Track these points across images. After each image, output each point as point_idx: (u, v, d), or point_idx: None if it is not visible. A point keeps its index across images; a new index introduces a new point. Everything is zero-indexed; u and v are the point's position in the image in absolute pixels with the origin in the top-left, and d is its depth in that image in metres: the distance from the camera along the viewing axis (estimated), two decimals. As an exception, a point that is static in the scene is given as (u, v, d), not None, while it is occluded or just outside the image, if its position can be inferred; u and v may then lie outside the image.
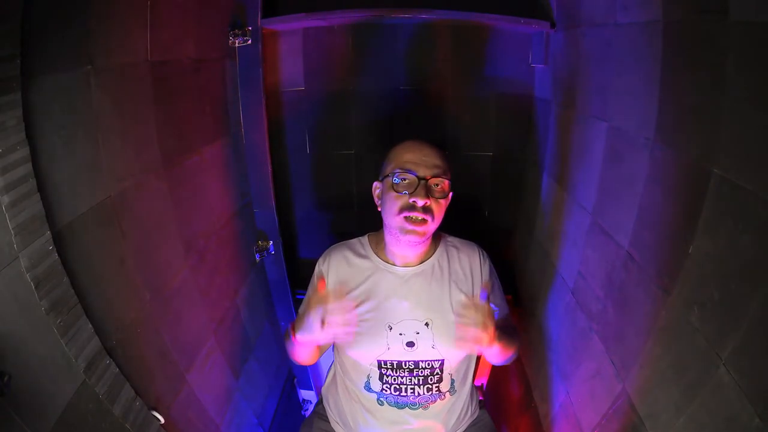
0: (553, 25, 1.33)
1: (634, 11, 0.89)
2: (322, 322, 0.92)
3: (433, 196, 1.03)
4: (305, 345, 1.04)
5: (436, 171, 1.04)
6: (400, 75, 1.53)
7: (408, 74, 1.54)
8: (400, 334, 1.10)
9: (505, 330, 1.09)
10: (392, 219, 1.05)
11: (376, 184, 1.12)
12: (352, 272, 1.14)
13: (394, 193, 1.04)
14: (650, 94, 0.81)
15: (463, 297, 1.12)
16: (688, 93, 0.72)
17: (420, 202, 1.02)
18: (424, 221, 1.02)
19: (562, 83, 1.28)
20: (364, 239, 1.19)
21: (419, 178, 1.02)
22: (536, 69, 1.49)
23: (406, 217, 1.02)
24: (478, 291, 1.14)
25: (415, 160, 1.04)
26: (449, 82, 1.54)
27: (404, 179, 1.04)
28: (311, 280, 1.20)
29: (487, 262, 1.17)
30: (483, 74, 1.52)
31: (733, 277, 0.61)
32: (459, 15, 1.35)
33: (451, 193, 1.09)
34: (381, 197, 1.10)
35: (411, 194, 1.02)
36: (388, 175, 1.06)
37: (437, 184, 1.04)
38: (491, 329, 0.93)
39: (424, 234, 1.05)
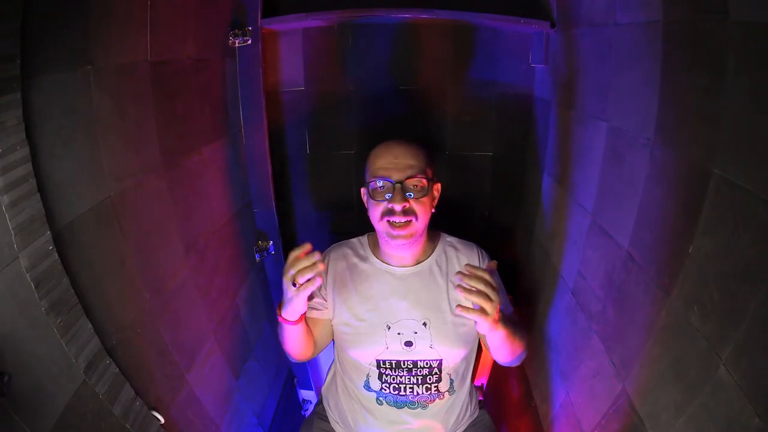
0: (553, 25, 1.33)
1: (634, 11, 0.89)
2: (295, 284, 0.91)
3: (412, 198, 1.03)
4: (291, 323, 1.01)
5: (410, 172, 1.03)
6: (400, 75, 1.53)
7: (408, 74, 1.54)
8: (399, 334, 1.10)
9: (510, 320, 1.06)
10: (377, 225, 1.07)
11: (363, 191, 1.13)
12: (351, 272, 1.15)
13: (374, 201, 1.05)
14: (650, 94, 0.81)
15: (461, 299, 1.12)
16: (688, 93, 0.72)
17: (398, 208, 1.02)
18: (407, 223, 1.03)
19: (562, 83, 1.28)
20: (364, 239, 1.20)
21: (394, 184, 1.03)
22: (536, 69, 1.49)
23: (389, 222, 1.03)
24: None
25: (387, 165, 1.04)
26: (449, 82, 1.54)
27: (380, 186, 1.04)
28: None
29: (487, 261, 1.17)
30: (483, 74, 1.52)
31: (733, 277, 0.61)
32: (459, 15, 1.35)
33: (439, 185, 1.09)
34: (366, 203, 1.11)
35: (389, 201, 1.02)
36: (367, 183, 1.07)
37: (415, 185, 1.04)
38: (496, 303, 0.87)
39: (411, 235, 1.05)
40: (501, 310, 0.92)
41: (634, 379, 0.85)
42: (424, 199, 1.05)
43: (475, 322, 0.91)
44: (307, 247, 0.91)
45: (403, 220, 1.02)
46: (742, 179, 0.59)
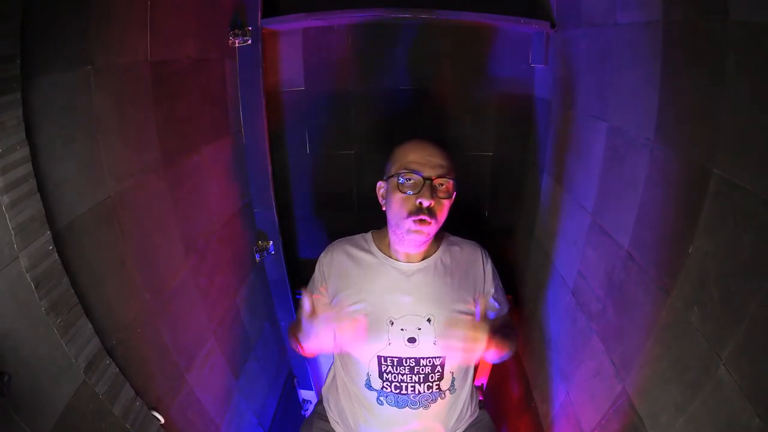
0: (553, 25, 1.33)
1: (634, 11, 0.89)
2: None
3: (437, 197, 1.03)
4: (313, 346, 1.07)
5: (440, 171, 1.04)
6: (400, 75, 1.53)
7: (408, 74, 1.54)
8: (402, 330, 1.10)
9: (501, 331, 1.10)
10: (399, 221, 1.06)
11: (380, 184, 1.13)
12: (354, 266, 1.15)
13: (400, 194, 1.04)
14: (650, 94, 0.81)
15: (465, 295, 1.13)
16: (688, 93, 0.72)
17: (425, 203, 1.02)
18: (427, 222, 1.03)
19: (562, 83, 1.28)
20: (368, 235, 1.20)
21: (424, 179, 1.03)
22: (536, 69, 1.49)
23: (414, 220, 1.03)
24: (480, 289, 1.15)
25: (420, 160, 1.04)
26: (449, 82, 1.54)
27: (409, 179, 1.04)
28: (313, 276, 1.20)
29: (489, 261, 1.18)
30: (483, 74, 1.52)
31: (733, 277, 0.61)
32: (459, 15, 1.35)
33: (455, 193, 1.10)
34: (386, 197, 1.10)
35: (416, 195, 1.02)
36: (393, 176, 1.06)
37: (442, 184, 1.05)
38: (485, 341, 0.95)
39: (428, 235, 1.05)
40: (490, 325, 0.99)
41: (634, 379, 0.85)
42: (446, 203, 1.05)
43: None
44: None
45: (426, 218, 1.02)
46: (742, 179, 0.59)
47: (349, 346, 1.14)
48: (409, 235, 1.05)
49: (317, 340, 1.01)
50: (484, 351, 0.97)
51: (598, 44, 1.05)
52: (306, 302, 0.99)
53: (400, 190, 1.04)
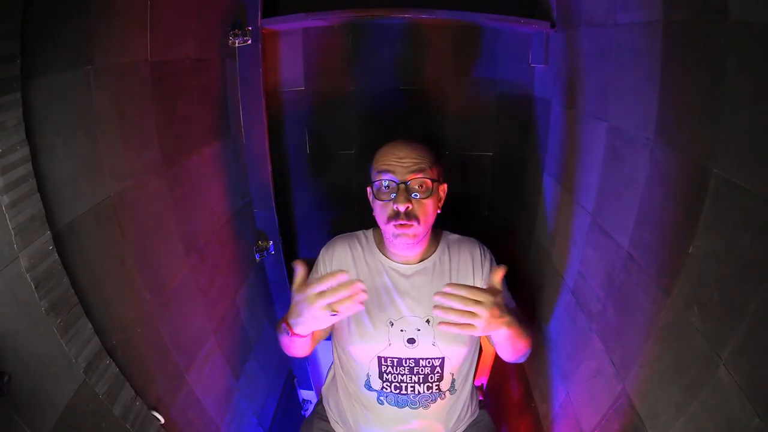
0: (553, 25, 1.33)
1: (634, 11, 0.89)
2: (332, 309, 0.87)
3: (415, 198, 1.03)
4: (303, 336, 0.99)
5: (414, 171, 1.03)
6: (400, 75, 1.53)
7: (408, 74, 1.54)
8: (402, 331, 1.10)
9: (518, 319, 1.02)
10: (383, 227, 1.07)
11: (369, 190, 1.14)
12: (354, 265, 1.15)
13: (379, 201, 1.05)
14: (650, 94, 0.81)
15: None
16: (688, 93, 0.72)
17: (401, 208, 1.02)
18: (408, 225, 1.03)
19: (562, 83, 1.28)
20: (369, 233, 1.21)
21: (398, 183, 1.02)
22: (536, 69, 1.49)
23: (394, 225, 1.03)
24: (480, 285, 1.15)
25: (392, 163, 1.04)
26: (449, 82, 1.54)
27: (385, 186, 1.04)
28: (314, 268, 1.20)
29: (488, 255, 1.18)
30: (483, 74, 1.52)
31: (733, 277, 0.61)
32: (459, 15, 1.35)
33: (445, 185, 1.09)
34: (372, 203, 1.11)
35: (394, 201, 1.02)
36: (372, 183, 1.07)
37: (419, 185, 1.04)
38: (484, 314, 0.84)
39: (414, 236, 1.05)
40: (507, 310, 0.90)
41: (634, 379, 0.85)
42: (428, 201, 1.05)
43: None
44: (343, 276, 0.86)
45: (403, 222, 1.03)
46: (742, 179, 0.59)
47: (349, 346, 1.14)
48: (396, 239, 1.05)
49: (310, 316, 0.90)
50: (491, 326, 0.86)
51: (598, 44, 1.05)
52: (298, 271, 0.90)
53: (378, 197, 1.05)
